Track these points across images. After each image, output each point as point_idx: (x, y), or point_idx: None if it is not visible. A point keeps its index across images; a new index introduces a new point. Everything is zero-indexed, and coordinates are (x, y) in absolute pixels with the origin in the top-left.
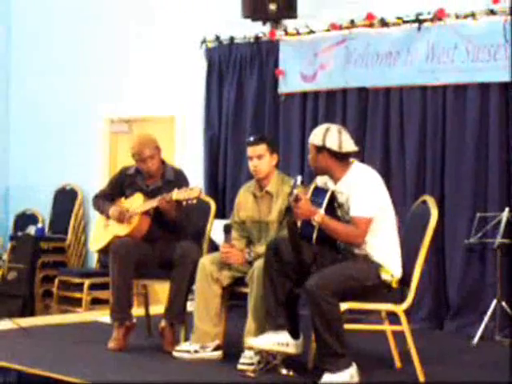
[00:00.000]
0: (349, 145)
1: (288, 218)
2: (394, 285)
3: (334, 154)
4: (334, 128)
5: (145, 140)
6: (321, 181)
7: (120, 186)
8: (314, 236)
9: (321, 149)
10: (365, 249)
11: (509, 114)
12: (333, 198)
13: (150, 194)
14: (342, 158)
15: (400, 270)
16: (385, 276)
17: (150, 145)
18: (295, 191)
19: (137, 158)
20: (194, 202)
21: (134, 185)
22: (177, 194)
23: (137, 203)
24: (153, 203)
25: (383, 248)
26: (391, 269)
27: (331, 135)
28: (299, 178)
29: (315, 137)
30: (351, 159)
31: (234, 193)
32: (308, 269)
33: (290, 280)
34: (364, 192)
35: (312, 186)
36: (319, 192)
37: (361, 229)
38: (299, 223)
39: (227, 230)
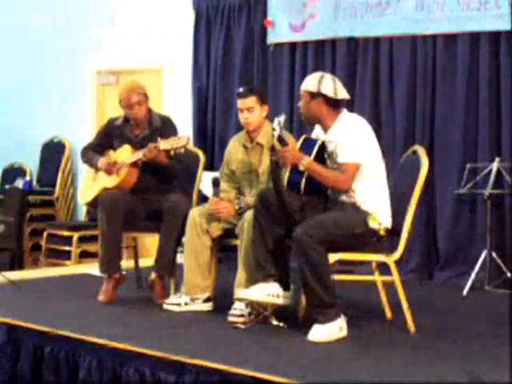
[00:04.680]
0: (343, 92)
1: (270, 157)
2: (382, 233)
3: (329, 101)
4: (328, 76)
5: (132, 86)
6: (314, 134)
7: (108, 137)
8: (303, 185)
9: (315, 95)
10: (353, 197)
11: (499, 63)
12: (323, 148)
13: (138, 144)
14: (335, 105)
15: (389, 219)
16: (373, 224)
17: (137, 91)
18: (277, 128)
19: (124, 105)
20: (182, 151)
21: (122, 136)
22: (164, 144)
23: (125, 155)
24: (140, 154)
25: (372, 197)
26: (380, 217)
27: (326, 82)
28: (283, 116)
29: (309, 83)
30: (342, 108)
31: (223, 144)
32: (294, 216)
33: (280, 231)
34: (352, 138)
35: (302, 138)
36: (309, 142)
37: (348, 174)
38: (287, 172)
39: (216, 183)
